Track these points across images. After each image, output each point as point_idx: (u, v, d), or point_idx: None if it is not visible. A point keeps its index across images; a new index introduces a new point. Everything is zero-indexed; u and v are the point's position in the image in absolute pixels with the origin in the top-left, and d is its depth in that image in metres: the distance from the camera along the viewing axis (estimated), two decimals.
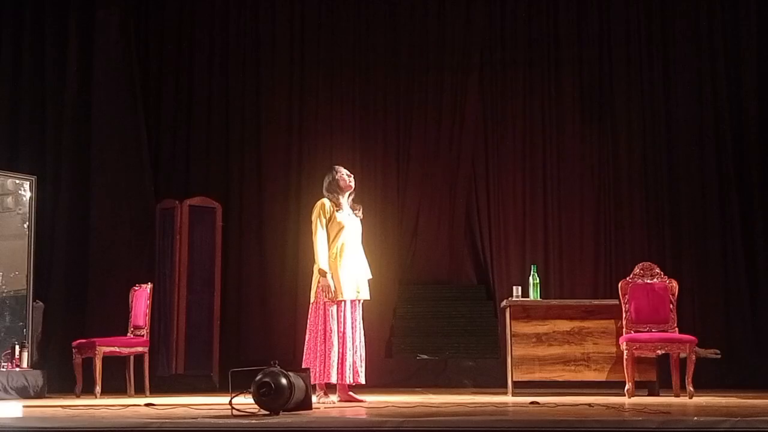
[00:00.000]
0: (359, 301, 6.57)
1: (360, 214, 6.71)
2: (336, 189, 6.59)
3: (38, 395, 7.50)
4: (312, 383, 5.77)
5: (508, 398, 6.96)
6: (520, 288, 7.60)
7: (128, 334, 7.96)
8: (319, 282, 6.43)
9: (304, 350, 6.44)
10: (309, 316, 6.50)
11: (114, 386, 7.76)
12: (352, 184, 6.65)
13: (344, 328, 6.41)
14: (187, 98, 9.93)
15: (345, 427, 4.38)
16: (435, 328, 9.60)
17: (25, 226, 8.22)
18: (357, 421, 4.47)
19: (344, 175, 6.62)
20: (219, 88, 9.97)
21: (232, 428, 4.33)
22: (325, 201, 6.58)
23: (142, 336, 7.87)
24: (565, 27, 9.95)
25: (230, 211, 9.66)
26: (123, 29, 9.39)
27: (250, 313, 9.65)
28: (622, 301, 7.10)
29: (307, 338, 6.46)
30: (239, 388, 5.09)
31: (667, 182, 9.64)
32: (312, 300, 6.49)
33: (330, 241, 6.50)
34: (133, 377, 7.80)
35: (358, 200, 6.80)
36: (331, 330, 6.37)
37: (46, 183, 8.76)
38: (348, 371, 6.37)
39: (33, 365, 7.86)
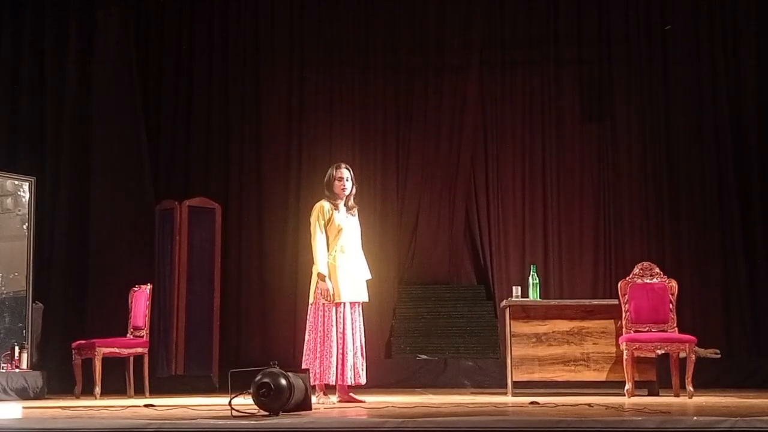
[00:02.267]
0: (358, 303, 6.57)
1: (355, 212, 6.67)
2: (331, 190, 6.56)
3: (38, 396, 7.50)
4: (311, 384, 5.79)
5: (508, 398, 6.96)
6: (519, 288, 7.60)
7: (128, 335, 7.96)
8: (317, 285, 6.43)
9: (304, 351, 6.45)
10: (308, 317, 6.50)
11: (113, 387, 7.76)
12: (346, 190, 6.54)
13: (344, 330, 6.41)
14: (187, 98, 9.94)
15: (345, 427, 4.38)
16: (435, 328, 9.60)
17: (25, 227, 8.21)
18: (357, 421, 4.47)
19: (342, 180, 6.52)
20: (218, 88, 9.97)
21: (231, 429, 4.33)
22: (324, 203, 6.54)
23: (142, 337, 7.87)
24: (564, 27, 9.95)
25: (230, 212, 9.66)
26: (122, 29, 9.39)
27: (250, 313, 9.66)
28: (621, 301, 7.10)
29: (306, 339, 6.46)
30: (239, 389, 5.08)
31: (666, 182, 9.64)
32: (311, 301, 6.49)
33: (329, 243, 6.49)
34: (132, 378, 7.80)
35: (356, 200, 6.77)
36: (330, 331, 6.37)
37: (45, 184, 8.76)
38: (349, 372, 6.37)
39: (32, 366, 7.86)
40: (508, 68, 9.99)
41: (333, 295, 6.38)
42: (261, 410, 4.90)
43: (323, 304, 6.41)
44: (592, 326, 7.36)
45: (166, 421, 4.40)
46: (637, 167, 9.71)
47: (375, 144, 9.99)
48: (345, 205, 6.61)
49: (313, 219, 6.52)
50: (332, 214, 6.50)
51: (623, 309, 7.08)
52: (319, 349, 6.36)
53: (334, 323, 6.39)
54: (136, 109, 9.42)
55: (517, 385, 7.32)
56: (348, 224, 6.56)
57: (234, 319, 9.55)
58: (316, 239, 6.46)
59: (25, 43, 9.21)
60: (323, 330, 6.39)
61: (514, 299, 7.54)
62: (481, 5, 10.02)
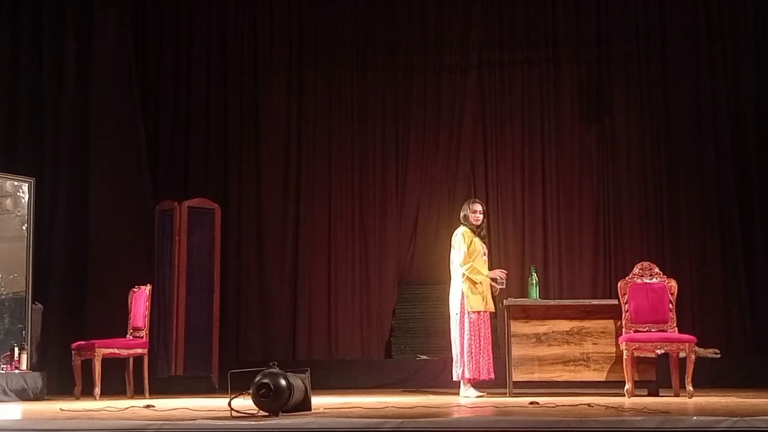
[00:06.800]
0: None
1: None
2: (468, 220, 7.66)
3: (37, 397, 7.50)
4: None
5: (508, 398, 6.96)
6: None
7: (127, 336, 7.96)
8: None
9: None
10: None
11: (113, 388, 7.76)
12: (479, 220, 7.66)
13: None
14: (186, 99, 9.93)
15: (344, 427, 4.38)
16: (434, 328, 9.59)
17: (24, 228, 8.21)
18: (356, 422, 4.47)
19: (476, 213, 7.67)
20: (217, 88, 9.96)
21: (231, 429, 4.34)
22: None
23: (141, 337, 7.87)
24: (563, 26, 9.95)
25: (229, 213, 9.65)
26: (121, 30, 9.39)
27: (250, 314, 9.65)
28: (621, 301, 7.10)
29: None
30: (238, 390, 5.09)
31: (666, 182, 9.65)
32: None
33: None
34: (132, 379, 7.80)
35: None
36: None
37: (44, 185, 8.76)
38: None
39: (32, 367, 7.86)
40: (507, 68, 9.99)
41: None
42: (261, 411, 4.90)
43: None
44: (591, 326, 7.36)
45: (166, 422, 4.41)
46: (636, 167, 9.72)
47: (374, 143, 9.99)
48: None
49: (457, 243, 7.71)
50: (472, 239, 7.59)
51: (623, 309, 7.08)
52: None
53: None
54: (135, 109, 9.42)
55: (516, 385, 7.32)
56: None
57: (233, 319, 9.55)
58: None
59: (24, 43, 9.19)
60: None
61: (514, 299, 7.55)
62: (480, 5, 10.02)
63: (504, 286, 7.65)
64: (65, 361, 7.96)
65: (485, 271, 7.55)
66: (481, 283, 7.50)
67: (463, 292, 7.52)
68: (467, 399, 7.08)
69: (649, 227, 9.62)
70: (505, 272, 7.71)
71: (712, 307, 9.34)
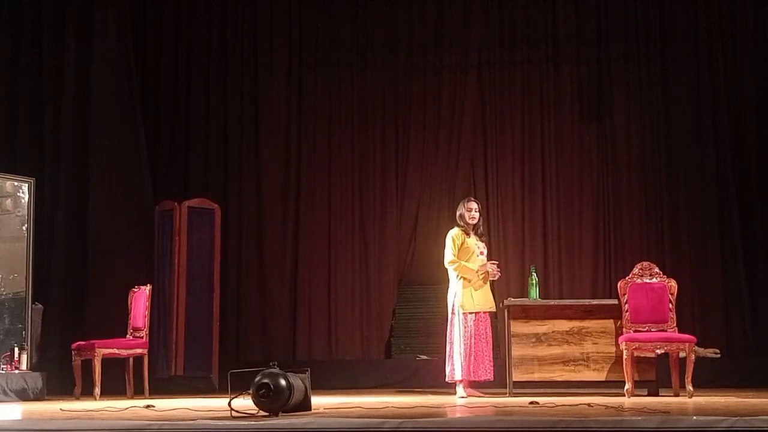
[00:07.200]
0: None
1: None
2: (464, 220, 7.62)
3: (37, 397, 7.50)
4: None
5: (508, 398, 6.96)
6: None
7: (127, 336, 7.97)
8: None
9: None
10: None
11: (113, 388, 7.76)
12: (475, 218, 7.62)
13: None
14: (186, 99, 9.93)
15: (344, 427, 4.38)
16: (434, 328, 9.59)
17: (24, 228, 8.22)
18: (356, 422, 4.47)
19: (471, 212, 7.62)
20: (217, 88, 9.96)
21: (231, 429, 4.34)
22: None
23: (141, 338, 7.88)
24: (563, 26, 9.95)
25: (229, 213, 9.65)
26: (121, 30, 9.39)
27: (250, 314, 9.66)
28: (621, 301, 7.11)
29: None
30: (238, 390, 5.09)
31: (666, 182, 9.65)
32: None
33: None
34: (132, 379, 7.81)
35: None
36: None
37: (44, 185, 8.75)
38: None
39: (32, 367, 7.86)
40: (507, 68, 9.99)
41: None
42: (261, 411, 4.90)
43: None
44: (591, 326, 7.36)
45: (166, 422, 4.41)
46: (636, 167, 9.72)
47: (374, 143, 10.00)
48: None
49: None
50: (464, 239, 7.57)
51: (623, 309, 7.09)
52: None
53: None
54: (135, 109, 9.42)
55: (516, 385, 7.33)
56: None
57: (234, 319, 9.55)
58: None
59: (24, 43, 9.19)
60: None
61: (513, 299, 7.55)
62: (480, 5, 10.02)
63: (496, 278, 7.61)
64: (65, 361, 7.96)
65: (476, 267, 7.49)
66: (476, 275, 7.44)
67: (456, 293, 7.51)
68: (460, 399, 7.08)
69: (649, 227, 9.62)
70: (496, 263, 7.67)
71: (712, 307, 9.34)
